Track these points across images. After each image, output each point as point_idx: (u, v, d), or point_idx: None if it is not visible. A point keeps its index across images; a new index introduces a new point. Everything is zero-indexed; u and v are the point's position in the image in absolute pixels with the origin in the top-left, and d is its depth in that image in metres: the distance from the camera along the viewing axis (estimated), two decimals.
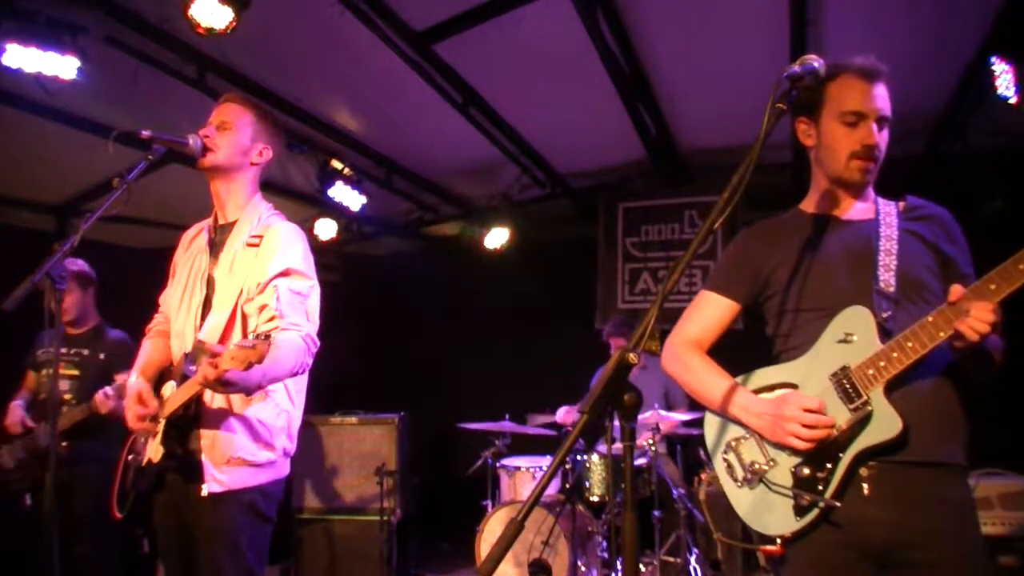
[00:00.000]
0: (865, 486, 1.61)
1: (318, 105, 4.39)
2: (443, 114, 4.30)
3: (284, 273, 2.16)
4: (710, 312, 1.93)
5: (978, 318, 1.48)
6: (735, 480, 1.78)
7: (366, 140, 4.92)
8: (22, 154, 4.47)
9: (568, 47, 3.68)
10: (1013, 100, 3.48)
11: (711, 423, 1.88)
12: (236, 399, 2.14)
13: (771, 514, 1.70)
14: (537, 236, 6.45)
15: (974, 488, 3.51)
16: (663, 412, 4.36)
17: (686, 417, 4.39)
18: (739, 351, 1.95)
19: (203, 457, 2.10)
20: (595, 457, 4.33)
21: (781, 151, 4.70)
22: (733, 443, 1.80)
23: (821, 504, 1.60)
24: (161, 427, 2.13)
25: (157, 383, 2.28)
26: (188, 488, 2.13)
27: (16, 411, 3.64)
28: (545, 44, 3.76)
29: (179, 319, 2.27)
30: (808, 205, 1.91)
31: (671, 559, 4.32)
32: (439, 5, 3.43)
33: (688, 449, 4.77)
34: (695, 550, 4.36)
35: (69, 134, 4.10)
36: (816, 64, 1.51)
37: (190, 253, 2.37)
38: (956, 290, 1.54)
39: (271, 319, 2.10)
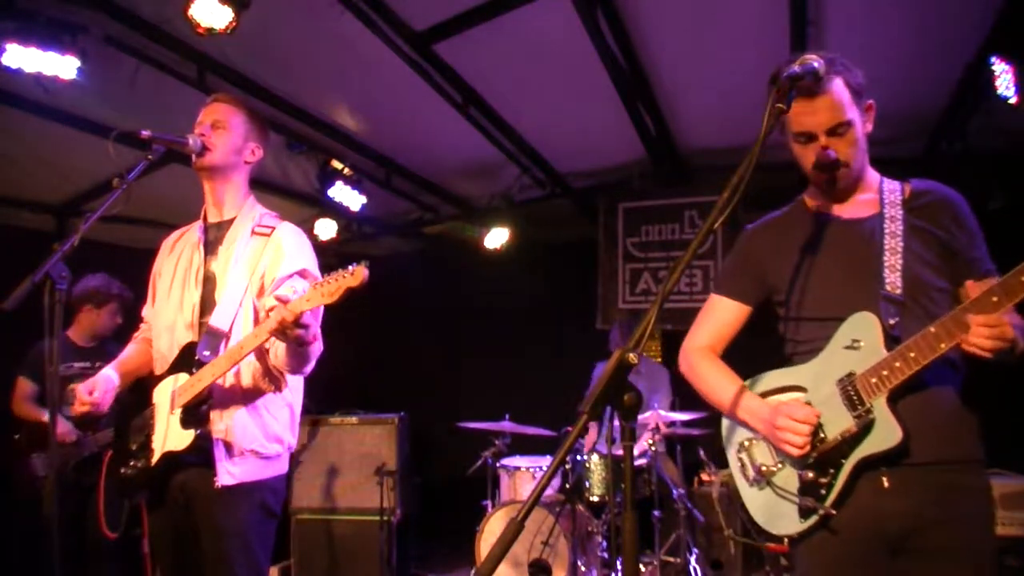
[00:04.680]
0: (885, 479, 1.62)
1: (318, 105, 4.39)
2: (443, 114, 4.29)
3: (301, 273, 2.22)
4: (719, 316, 1.94)
5: (977, 334, 1.47)
6: (747, 479, 1.81)
7: (366, 140, 4.92)
8: (22, 154, 4.47)
9: (568, 47, 3.68)
10: (1013, 100, 3.48)
11: (727, 424, 1.90)
12: (247, 382, 2.16)
13: (778, 514, 1.72)
14: (537, 236, 6.44)
15: None
16: (663, 412, 4.36)
17: (685, 417, 4.39)
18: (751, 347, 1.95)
19: (216, 446, 2.11)
20: (595, 457, 4.33)
21: (781, 151, 4.65)
22: (746, 443, 1.83)
23: (820, 511, 1.62)
24: (179, 415, 2.13)
25: (136, 391, 2.29)
26: (197, 484, 2.12)
27: (63, 423, 3.59)
28: (545, 44, 3.76)
29: (167, 314, 2.27)
30: (811, 198, 1.89)
31: (671, 559, 4.32)
32: (439, 5, 3.43)
33: (688, 449, 4.77)
34: (695, 550, 4.37)
35: (69, 134, 4.09)
36: (816, 64, 1.51)
37: (175, 254, 2.37)
38: (966, 293, 1.54)
39: None
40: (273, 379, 2.21)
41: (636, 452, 4.22)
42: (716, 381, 1.88)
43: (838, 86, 1.69)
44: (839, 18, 3.49)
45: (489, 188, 5.83)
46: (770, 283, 1.87)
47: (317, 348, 2.13)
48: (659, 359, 5.85)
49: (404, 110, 4.46)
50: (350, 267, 1.84)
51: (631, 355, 1.25)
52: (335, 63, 3.89)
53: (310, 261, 2.28)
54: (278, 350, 2.13)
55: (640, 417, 4.16)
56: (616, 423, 1.28)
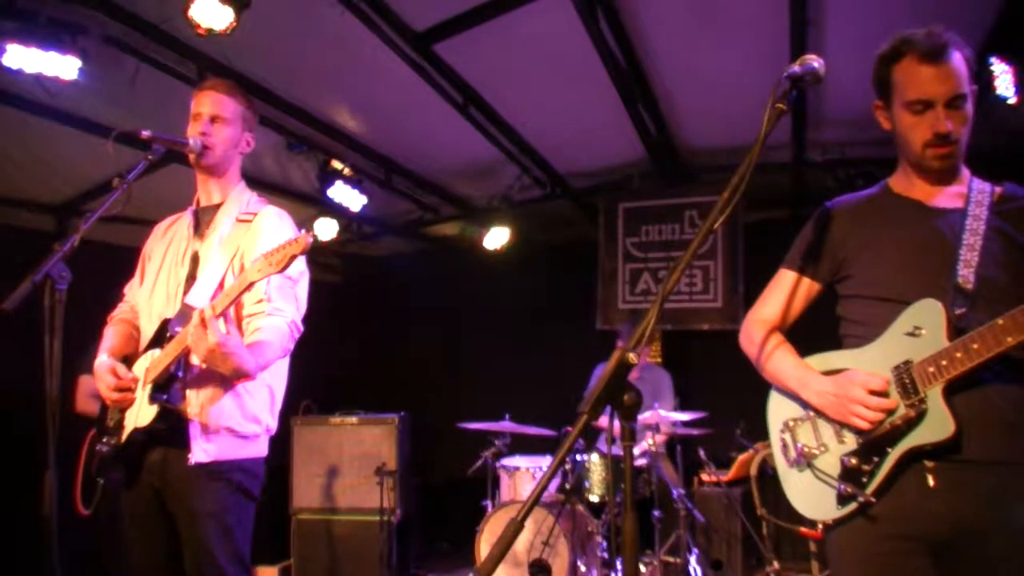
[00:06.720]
0: (930, 477, 1.56)
1: (318, 105, 4.39)
2: (443, 114, 4.30)
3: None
4: (784, 291, 1.90)
5: None
6: (787, 460, 1.79)
7: (366, 140, 4.92)
8: (22, 154, 4.47)
9: (568, 47, 3.68)
10: (1013, 100, 3.48)
11: (774, 401, 1.88)
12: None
13: (815, 499, 1.70)
14: (537, 236, 6.45)
15: None
16: (663, 412, 4.36)
17: (685, 417, 4.39)
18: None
19: (190, 423, 2.08)
20: (595, 457, 4.33)
21: (781, 151, 4.69)
22: (791, 423, 1.80)
23: (860, 499, 1.60)
24: (148, 391, 2.11)
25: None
26: (172, 464, 2.10)
27: None
28: (545, 44, 3.76)
29: (155, 298, 2.27)
30: (896, 183, 1.82)
31: (671, 559, 4.33)
32: (439, 5, 3.44)
33: (688, 449, 4.77)
34: (695, 550, 4.37)
35: (69, 134, 4.09)
36: (816, 64, 1.50)
37: (167, 238, 2.38)
38: None
39: (258, 302, 2.15)
40: None
41: (636, 452, 4.23)
42: (772, 353, 1.85)
43: (958, 58, 1.68)
44: (839, 18, 3.49)
45: (489, 188, 5.83)
46: (840, 258, 1.82)
47: (276, 343, 2.12)
48: (659, 360, 5.84)
49: (404, 110, 4.46)
50: (297, 235, 1.89)
51: (631, 355, 1.25)
52: (335, 63, 3.89)
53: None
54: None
55: (641, 417, 4.16)
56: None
